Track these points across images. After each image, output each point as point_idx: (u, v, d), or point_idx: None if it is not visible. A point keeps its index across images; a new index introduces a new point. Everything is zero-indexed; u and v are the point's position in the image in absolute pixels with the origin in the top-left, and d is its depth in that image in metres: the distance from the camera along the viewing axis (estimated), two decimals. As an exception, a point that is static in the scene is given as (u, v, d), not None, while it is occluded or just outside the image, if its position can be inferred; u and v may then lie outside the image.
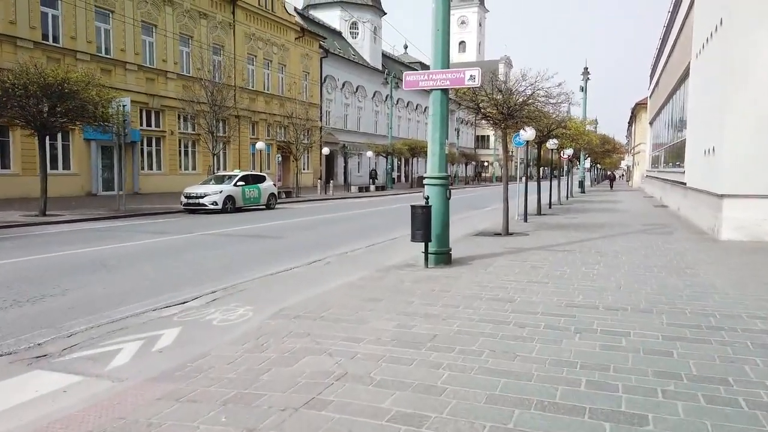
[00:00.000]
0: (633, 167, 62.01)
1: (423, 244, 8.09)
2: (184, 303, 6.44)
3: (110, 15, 25.61)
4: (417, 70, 71.89)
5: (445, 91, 8.36)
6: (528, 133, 14.87)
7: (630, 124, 67.32)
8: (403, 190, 40.96)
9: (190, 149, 30.71)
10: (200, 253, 10.18)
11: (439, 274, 7.69)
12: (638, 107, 54.72)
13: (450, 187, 8.57)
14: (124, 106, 18.05)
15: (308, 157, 41.85)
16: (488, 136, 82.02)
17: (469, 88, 12.02)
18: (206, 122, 24.26)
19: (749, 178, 10.61)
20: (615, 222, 15.48)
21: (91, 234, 13.00)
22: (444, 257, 8.44)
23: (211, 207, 18.67)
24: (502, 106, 12.31)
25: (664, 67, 26.41)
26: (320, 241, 12.14)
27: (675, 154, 20.58)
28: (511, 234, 12.66)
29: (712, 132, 12.20)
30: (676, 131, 21.58)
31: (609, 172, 48.83)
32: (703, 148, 13.07)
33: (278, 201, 24.13)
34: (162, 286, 7.34)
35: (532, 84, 12.15)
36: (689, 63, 16.47)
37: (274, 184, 22.31)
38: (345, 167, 42.40)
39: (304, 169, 41.27)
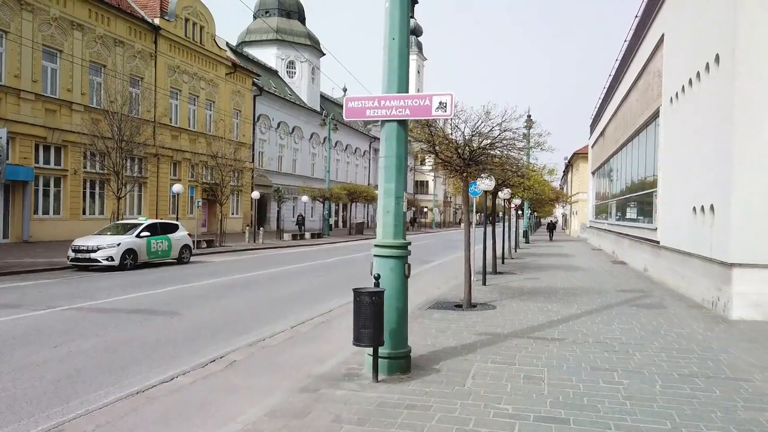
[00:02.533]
0: (571, 216, 62.25)
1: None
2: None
3: (2, 36, 22.07)
4: (356, 113, 70.83)
5: (403, 124, 5.89)
6: (486, 183, 12.72)
7: (566, 172, 68.12)
8: (341, 238, 38.25)
9: (97, 191, 26.91)
10: (28, 356, 6.98)
11: (396, 399, 5.01)
12: (576, 156, 55.20)
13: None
14: (-3, 138, 14.65)
15: (237, 200, 38.58)
16: (427, 181, 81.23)
17: (422, 124, 9.76)
18: (112, 160, 20.85)
19: None
20: (585, 287, 13.39)
21: None
22: (401, 363, 5.79)
23: (106, 263, 15.28)
24: (463, 150, 10.06)
25: (613, 115, 25.49)
26: (228, 320, 9.21)
27: (636, 208, 19.07)
28: (475, 306, 10.21)
29: (707, 186, 10.36)
30: (633, 183, 20.20)
31: (550, 221, 48.11)
32: (691, 205, 11.23)
33: (195, 253, 20.86)
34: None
35: (499, 124, 9.98)
36: (658, 109, 14.98)
37: (190, 234, 19.08)
38: (278, 212, 39.36)
39: (232, 214, 37.92)
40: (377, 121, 6.04)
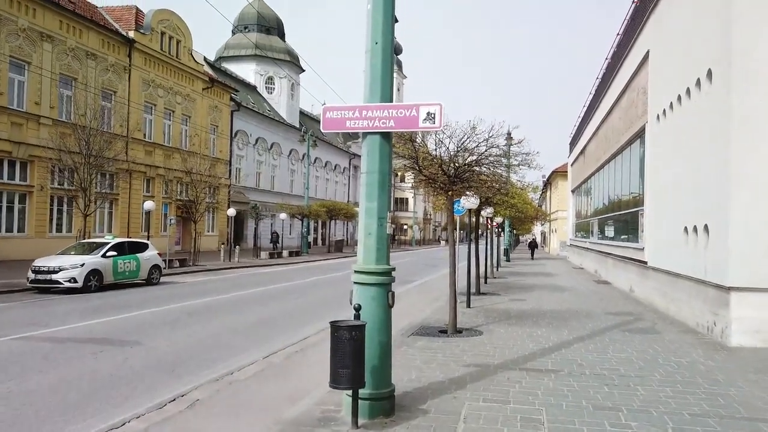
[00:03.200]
0: (550, 234, 62.30)
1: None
2: None
3: (-35, 45, 21.13)
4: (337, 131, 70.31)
5: (386, 136, 5.32)
6: (470, 201, 12.22)
7: (544, 190, 68.37)
8: (320, 256, 37.45)
9: (65, 208, 25.80)
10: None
11: (378, 451, 4.37)
12: (555, 174, 55.34)
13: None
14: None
15: (213, 218, 37.61)
16: (407, 198, 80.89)
17: (405, 140, 9.24)
18: (80, 176, 19.92)
19: None
20: (573, 309, 12.89)
21: None
22: (384, 404, 5.14)
23: (68, 285, 14.35)
24: (448, 167, 9.55)
25: (594, 133, 25.36)
26: (194, 349, 8.46)
27: (621, 226, 18.75)
28: (460, 332, 9.61)
29: (700, 205, 9.97)
30: (616, 201, 19.93)
31: (532, 239, 47.87)
32: (682, 225, 10.85)
33: (166, 273, 19.95)
34: None
35: (486, 140, 9.50)
36: (643, 126, 14.71)
37: (161, 253, 18.18)
38: (255, 230, 38.48)
39: (208, 232, 36.92)
40: (358, 136, 5.48)
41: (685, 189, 10.92)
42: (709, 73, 9.59)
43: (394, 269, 5.36)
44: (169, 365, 7.44)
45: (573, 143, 37.38)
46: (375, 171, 5.23)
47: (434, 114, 5.13)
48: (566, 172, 43.77)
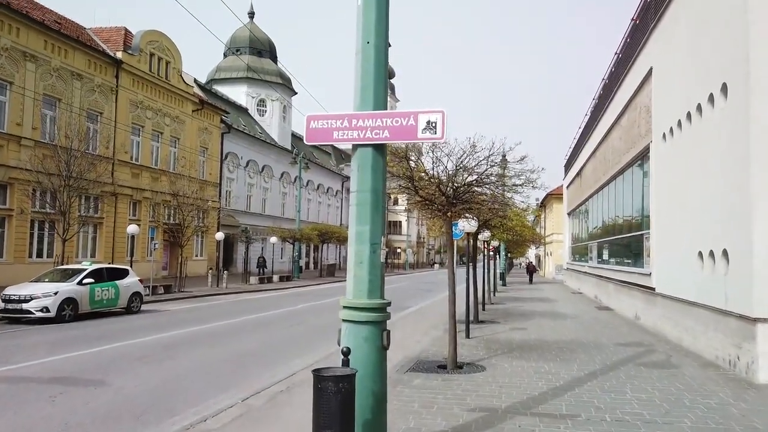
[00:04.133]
0: (545, 257, 61.61)
1: (337, 449, 3.96)
2: None
3: (-56, 63, 20.42)
4: (329, 153, 69.74)
5: (380, 149, 4.60)
6: (469, 224, 11.53)
7: (539, 213, 67.86)
8: (311, 281, 36.51)
9: (46, 233, 24.85)
10: None
11: None
12: (550, 197, 54.86)
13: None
14: None
15: (202, 242, 36.68)
16: (401, 221, 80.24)
17: (400, 157, 8.54)
18: (60, 199, 19.10)
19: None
20: (579, 340, 12.11)
21: None
22: (377, 467, 4.32)
23: (40, 315, 13.42)
24: (446, 187, 8.85)
25: (592, 155, 24.85)
26: (166, 389, 7.60)
27: (623, 250, 18.06)
28: (461, 367, 8.81)
29: (715, 228, 9.30)
30: (617, 224, 19.28)
31: (529, 262, 47.03)
32: (695, 249, 10.16)
33: (150, 300, 19.06)
34: None
35: (487, 158, 8.84)
36: (647, 146, 14.12)
37: (142, 280, 17.25)
38: (246, 254, 37.51)
39: (196, 256, 35.96)
40: (350, 158, 4.77)
41: (697, 211, 10.25)
42: (724, 87, 9.00)
43: (389, 304, 4.59)
44: (135, 409, 6.58)
45: (568, 165, 36.95)
46: (367, 189, 4.50)
47: (436, 123, 4.42)
48: (561, 194, 43.33)
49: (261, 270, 34.72)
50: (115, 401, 6.97)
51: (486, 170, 9.03)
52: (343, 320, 4.48)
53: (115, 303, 15.52)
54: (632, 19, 16.88)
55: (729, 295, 8.71)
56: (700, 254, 9.96)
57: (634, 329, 13.85)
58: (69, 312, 13.95)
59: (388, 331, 4.54)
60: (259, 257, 36.36)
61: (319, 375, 3.83)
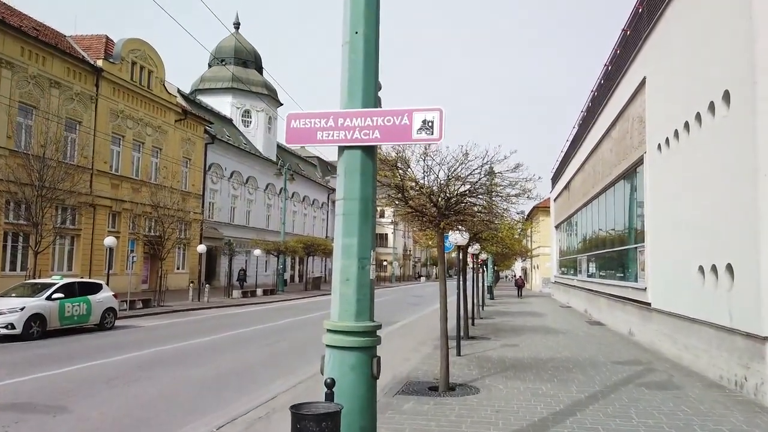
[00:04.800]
0: (532, 270, 61.37)
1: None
2: None
3: None
4: (315, 165, 69.19)
5: (369, 152, 4.09)
6: (461, 237, 11.08)
7: (525, 225, 67.65)
8: (296, 294, 35.74)
9: (20, 245, 23.93)
10: None
11: None
12: (536, 210, 54.72)
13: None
14: None
15: (184, 254, 35.80)
16: (387, 234, 79.71)
17: (390, 166, 8.05)
18: (32, 210, 18.32)
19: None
20: (574, 357, 11.63)
21: None
22: None
23: (5, 332, 12.63)
24: (437, 198, 8.37)
25: (581, 167, 24.60)
26: (132, 417, 6.95)
27: (615, 264, 17.69)
28: (453, 389, 8.26)
29: (718, 242, 8.90)
30: (608, 237, 18.95)
31: (519, 276, 46.50)
32: (695, 264, 9.76)
33: (127, 315, 18.29)
34: None
35: (481, 166, 8.38)
36: (641, 157, 13.79)
37: (116, 295, 16.44)
38: (229, 267, 36.67)
39: (178, 269, 35.08)
40: (336, 170, 4.23)
41: (697, 224, 9.86)
42: (726, 95, 8.66)
43: (379, 326, 4.06)
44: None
45: (555, 178, 36.77)
46: (355, 198, 3.98)
47: (432, 122, 3.93)
48: (548, 207, 43.14)
49: (241, 283, 33.88)
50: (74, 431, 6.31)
51: (479, 180, 8.58)
52: (327, 346, 3.94)
53: (87, 319, 14.73)
54: (623, 30, 16.66)
55: (734, 312, 8.29)
56: (701, 268, 9.56)
57: (630, 346, 13.40)
58: (37, 329, 13.17)
59: (378, 358, 4.01)
60: (239, 270, 35.47)
61: (298, 413, 3.28)
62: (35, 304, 13.27)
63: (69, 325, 14.22)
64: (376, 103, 4.12)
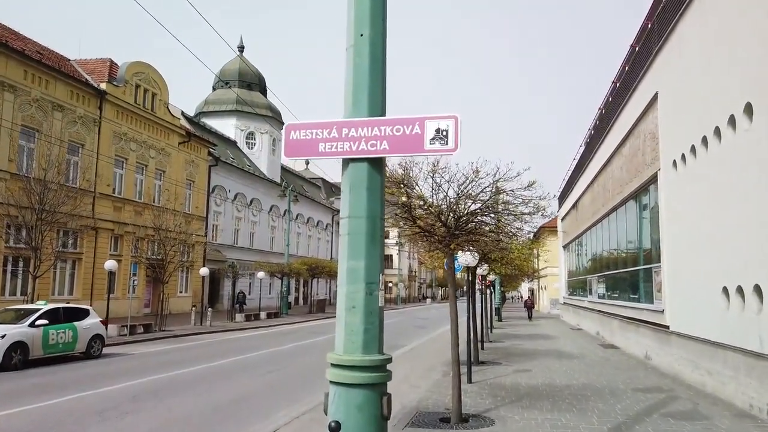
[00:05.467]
0: (539, 291, 60.55)
1: None
2: None
3: None
4: (319, 186, 68.99)
5: (376, 165, 3.69)
6: (472, 257, 10.65)
7: (532, 246, 66.97)
8: (300, 317, 35.18)
9: (20, 269, 23.58)
10: None
11: None
12: (543, 230, 54.13)
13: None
14: None
15: (187, 277, 35.37)
16: (392, 255, 79.13)
17: (396, 182, 7.65)
18: (32, 234, 17.99)
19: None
20: (591, 384, 11.07)
21: None
22: None
23: (-18, 362, 12.05)
24: (446, 217, 7.96)
25: (589, 186, 24.18)
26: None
27: (628, 285, 17.15)
28: (467, 420, 7.75)
29: (745, 262, 8.43)
30: (620, 257, 18.43)
31: (529, 297, 45.68)
32: (719, 285, 9.28)
33: (126, 341, 17.80)
34: None
35: (492, 184, 8.00)
36: (655, 174, 13.37)
37: (104, 321, 15.71)
38: (232, 289, 36.20)
39: (180, 292, 34.63)
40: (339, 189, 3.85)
41: (719, 243, 9.40)
42: (748, 108, 8.26)
43: (390, 360, 3.62)
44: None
45: (562, 198, 36.35)
46: (362, 215, 3.57)
47: (447, 131, 3.54)
48: (555, 227, 42.60)
49: (240, 306, 33.31)
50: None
51: (491, 197, 8.18)
52: (332, 382, 3.49)
53: (73, 347, 14.08)
54: (631, 46, 16.40)
55: (765, 336, 7.78)
56: (725, 290, 9.07)
57: (648, 371, 12.82)
58: (18, 358, 12.55)
59: (389, 396, 3.56)
60: (238, 292, 34.90)
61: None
62: (17, 331, 12.65)
63: (53, 353, 13.57)
64: (384, 111, 3.74)
